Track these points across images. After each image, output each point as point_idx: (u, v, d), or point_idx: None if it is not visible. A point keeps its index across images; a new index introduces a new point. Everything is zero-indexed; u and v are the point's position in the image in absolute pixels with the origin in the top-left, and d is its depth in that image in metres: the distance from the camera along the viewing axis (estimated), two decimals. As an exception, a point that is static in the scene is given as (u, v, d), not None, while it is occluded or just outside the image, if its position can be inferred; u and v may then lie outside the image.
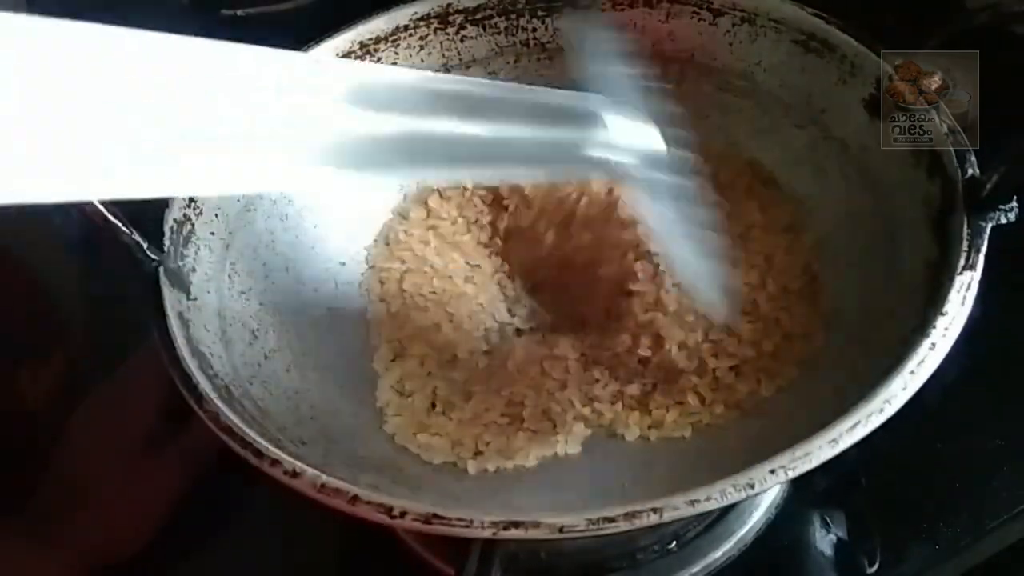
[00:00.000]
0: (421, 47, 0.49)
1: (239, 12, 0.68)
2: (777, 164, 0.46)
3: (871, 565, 0.41)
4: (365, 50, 0.47)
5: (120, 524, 0.45)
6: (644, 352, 0.42)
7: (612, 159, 0.31)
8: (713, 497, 0.28)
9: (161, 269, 0.37)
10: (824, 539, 0.42)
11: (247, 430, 0.32)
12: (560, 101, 0.33)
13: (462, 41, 0.49)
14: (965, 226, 0.34)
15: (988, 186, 0.35)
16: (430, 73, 0.29)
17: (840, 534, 0.42)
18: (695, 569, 0.42)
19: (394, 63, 0.48)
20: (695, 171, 0.36)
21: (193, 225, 0.41)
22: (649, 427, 0.41)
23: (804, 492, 0.43)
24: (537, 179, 0.36)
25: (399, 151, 0.27)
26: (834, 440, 0.29)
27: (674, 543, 0.42)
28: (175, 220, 0.39)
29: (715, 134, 0.48)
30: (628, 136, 0.31)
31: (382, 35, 0.48)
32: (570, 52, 0.38)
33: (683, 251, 0.33)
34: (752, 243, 0.45)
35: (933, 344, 0.31)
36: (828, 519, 0.43)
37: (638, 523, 0.28)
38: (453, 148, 0.28)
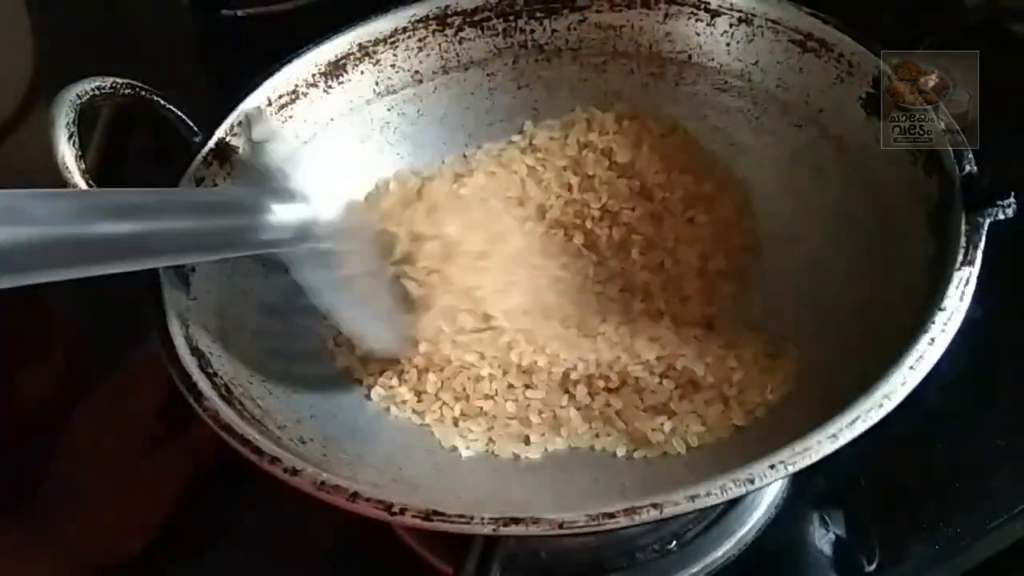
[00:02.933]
0: (419, 49, 0.49)
1: (239, 12, 0.68)
2: (776, 163, 0.47)
3: (870, 564, 0.41)
4: (364, 52, 0.48)
5: (120, 524, 0.45)
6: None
7: (278, 237, 0.36)
8: (713, 492, 0.28)
9: (161, 269, 0.37)
10: (824, 538, 0.42)
11: (247, 428, 0.32)
12: (225, 198, 0.40)
13: (460, 43, 0.49)
14: (963, 222, 0.34)
15: (985, 182, 0.35)
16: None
17: (839, 533, 0.42)
18: (695, 569, 0.42)
19: (393, 65, 0.48)
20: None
21: (193, 225, 0.41)
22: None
23: (804, 491, 0.43)
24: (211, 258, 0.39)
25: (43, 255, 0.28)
26: (834, 436, 0.29)
27: (674, 543, 0.42)
28: (175, 220, 0.39)
29: (713, 134, 0.48)
30: (291, 215, 0.36)
31: (381, 37, 0.48)
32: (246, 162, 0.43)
33: (344, 303, 0.39)
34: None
35: (932, 339, 0.31)
36: (828, 518, 0.43)
37: (638, 519, 0.28)
38: (110, 246, 0.30)
